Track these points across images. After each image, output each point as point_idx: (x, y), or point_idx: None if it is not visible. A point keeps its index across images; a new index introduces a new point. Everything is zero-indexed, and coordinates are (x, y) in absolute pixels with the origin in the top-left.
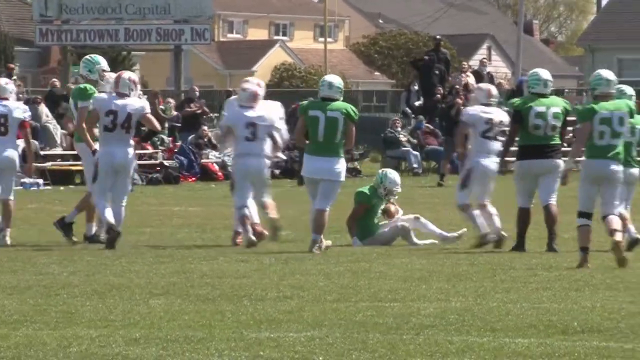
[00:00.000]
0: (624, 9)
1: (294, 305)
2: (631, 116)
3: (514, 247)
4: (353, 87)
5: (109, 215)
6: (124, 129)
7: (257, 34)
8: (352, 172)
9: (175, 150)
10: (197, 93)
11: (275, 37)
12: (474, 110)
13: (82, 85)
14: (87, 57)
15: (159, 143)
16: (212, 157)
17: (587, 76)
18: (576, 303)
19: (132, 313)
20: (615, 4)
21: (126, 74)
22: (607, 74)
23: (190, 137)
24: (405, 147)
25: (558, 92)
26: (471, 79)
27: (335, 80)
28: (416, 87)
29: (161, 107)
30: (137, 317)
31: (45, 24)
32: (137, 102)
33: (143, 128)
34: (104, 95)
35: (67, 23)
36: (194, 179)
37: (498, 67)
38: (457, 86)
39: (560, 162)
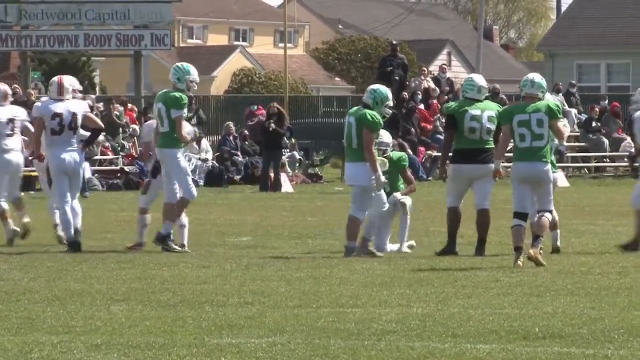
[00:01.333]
0: (583, 14)
1: (255, 311)
2: (554, 117)
3: (444, 249)
4: (313, 93)
5: (68, 225)
6: (71, 130)
7: (217, 39)
8: (312, 177)
9: (136, 155)
10: None
11: (235, 43)
12: (42, 102)
13: (176, 94)
14: (178, 65)
15: (119, 149)
16: None
17: (548, 82)
18: (537, 309)
19: (93, 319)
20: (574, 9)
21: (65, 80)
22: (534, 76)
23: None
24: None
25: (518, 98)
26: (432, 85)
27: (373, 86)
28: None
29: (115, 112)
30: (98, 323)
31: (4, 30)
32: (76, 102)
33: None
34: (41, 103)
35: (26, 29)
36: None
37: (458, 72)
38: (418, 92)
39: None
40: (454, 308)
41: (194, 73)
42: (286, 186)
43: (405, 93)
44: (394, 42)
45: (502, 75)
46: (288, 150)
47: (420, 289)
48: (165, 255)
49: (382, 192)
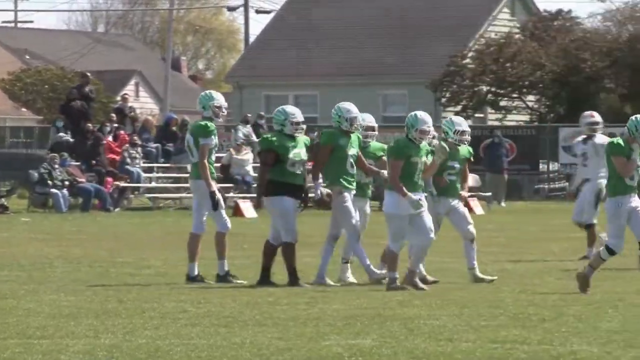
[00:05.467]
0: (271, 46)
1: None
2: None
3: (258, 281)
4: (0, 123)
5: None
6: None
7: None
8: None
9: None
10: None
11: None
12: None
13: (202, 122)
14: (203, 92)
15: None
16: None
17: (235, 113)
18: (226, 339)
19: None
20: (261, 41)
21: None
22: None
23: None
24: (54, 184)
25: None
26: (114, 117)
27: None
28: (62, 123)
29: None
30: None
31: None
32: None
33: None
34: None
35: None
36: None
37: (146, 103)
38: (107, 123)
39: None
40: (142, 339)
41: (218, 98)
42: None
43: (90, 124)
44: (88, 73)
45: (191, 105)
46: None
47: (108, 320)
48: None
49: (425, 218)
